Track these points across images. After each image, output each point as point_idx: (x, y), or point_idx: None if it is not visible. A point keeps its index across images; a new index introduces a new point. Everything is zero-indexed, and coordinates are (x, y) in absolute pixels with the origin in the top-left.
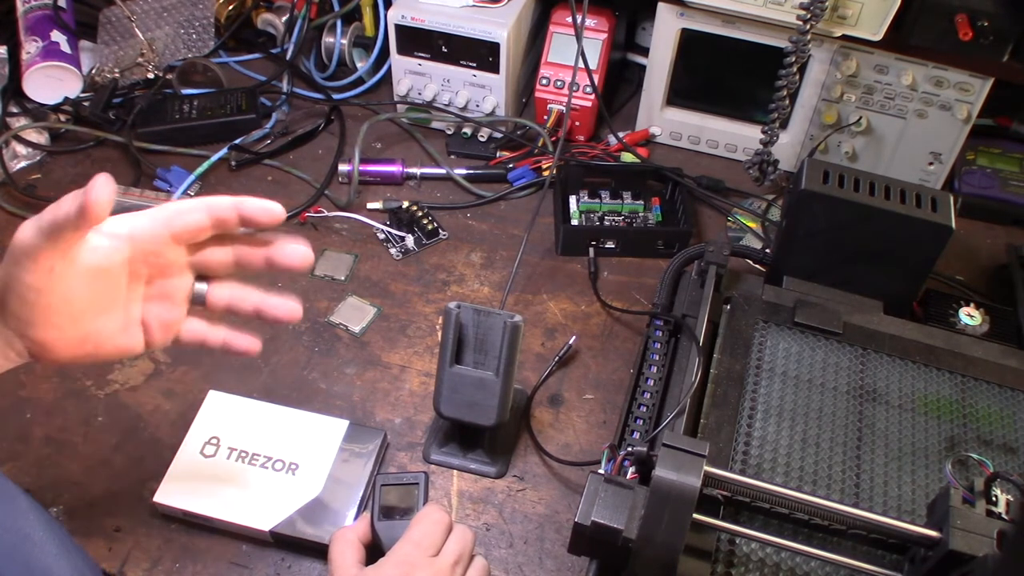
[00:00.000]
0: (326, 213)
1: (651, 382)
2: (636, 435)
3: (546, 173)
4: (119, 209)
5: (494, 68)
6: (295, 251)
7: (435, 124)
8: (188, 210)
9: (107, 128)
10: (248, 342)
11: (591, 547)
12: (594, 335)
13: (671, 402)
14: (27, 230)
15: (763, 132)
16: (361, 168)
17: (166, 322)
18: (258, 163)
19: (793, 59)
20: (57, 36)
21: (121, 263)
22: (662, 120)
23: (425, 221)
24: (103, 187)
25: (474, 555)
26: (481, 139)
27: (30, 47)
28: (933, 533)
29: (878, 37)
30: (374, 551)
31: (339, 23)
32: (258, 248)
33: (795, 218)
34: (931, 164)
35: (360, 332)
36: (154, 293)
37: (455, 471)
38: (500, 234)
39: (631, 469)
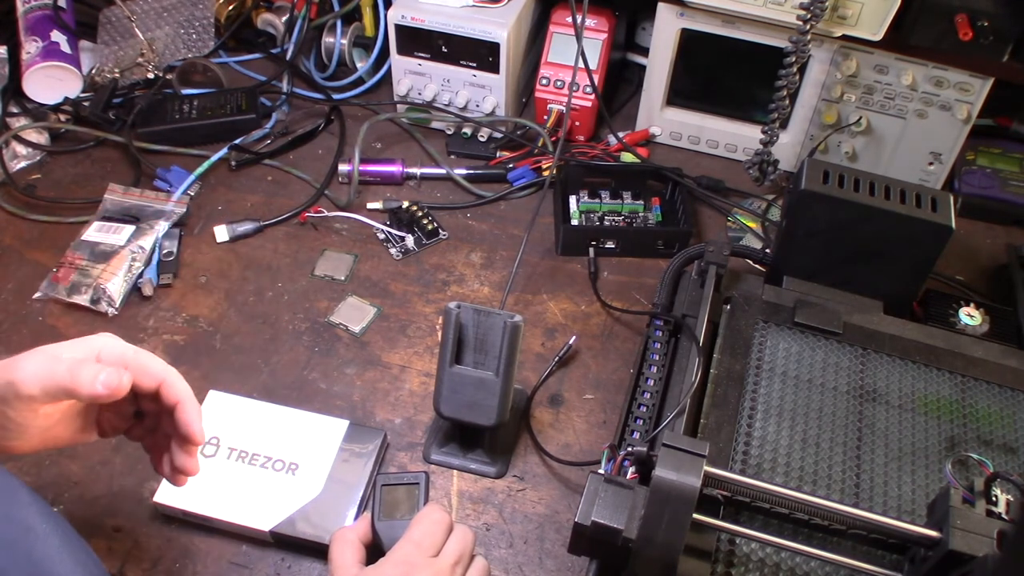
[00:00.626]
0: (326, 213)
1: (651, 382)
2: (636, 435)
3: (546, 173)
4: (119, 211)
5: (494, 68)
6: (183, 467)
7: (435, 124)
8: (150, 375)
9: (107, 128)
10: (167, 471)
11: (591, 547)
12: (594, 335)
13: (671, 402)
14: (31, 384)
15: (763, 132)
16: (361, 168)
17: (115, 426)
18: (258, 163)
19: (793, 59)
20: (57, 36)
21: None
22: (662, 120)
23: (425, 221)
24: (127, 378)
25: (474, 555)
26: (481, 139)
27: (30, 47)
28: (933, 533)
29: (878, 37)
30: (374, 551)
31: (339, 23)
32: (169, 428)
33: (795, 218)
34: (931, 164)
35: (360, 332)
36: (109, 408)
37: (455, 471)
38: (500, 234)
39: (631, 469)
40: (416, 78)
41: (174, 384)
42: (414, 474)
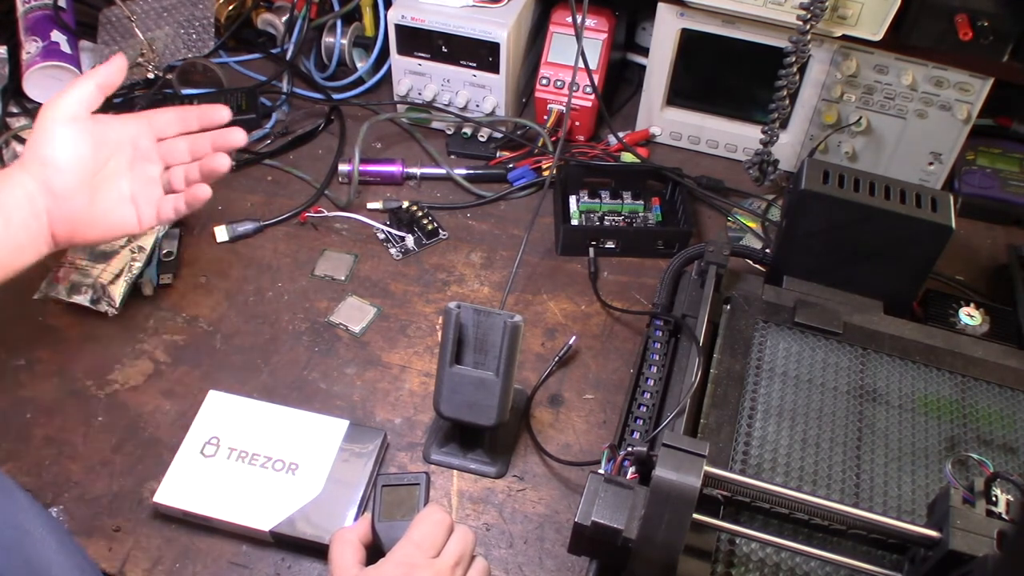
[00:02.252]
0: (326, 213)
1: (651, 382)
2: (636, 435)
3: (546, 173)
4: None
5: (494, 68)
6: (229, 133)
7: (435, 124)
8: (162, 111)
9: None
10: (201, 190)
11: (591, 547)
12: (594, 335)
13: (671, 402)
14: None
15: (763, 132)
16: (361, 168)
17: (149, 199)
18: (258, 163)
19: (793, 59)
20: (57, 36)
21: (117, 139)
22: (662, 120)
23: (425, 221)
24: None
25: (475, 556)
26: (481, 139)
27: (30, 47)
28: (933, 533)
29: (878, 37)
30: (374, 551)
31: (339, 23)
32: (205, 137)
33: (795, 218)
34: (931, 164)
35: (360, 332)
36: (137, 177)
37: (455, 471)
38: (500, 234)
39: (631, 469)
40: (416, 78)
41: (183, 108)
42: (415, 475)
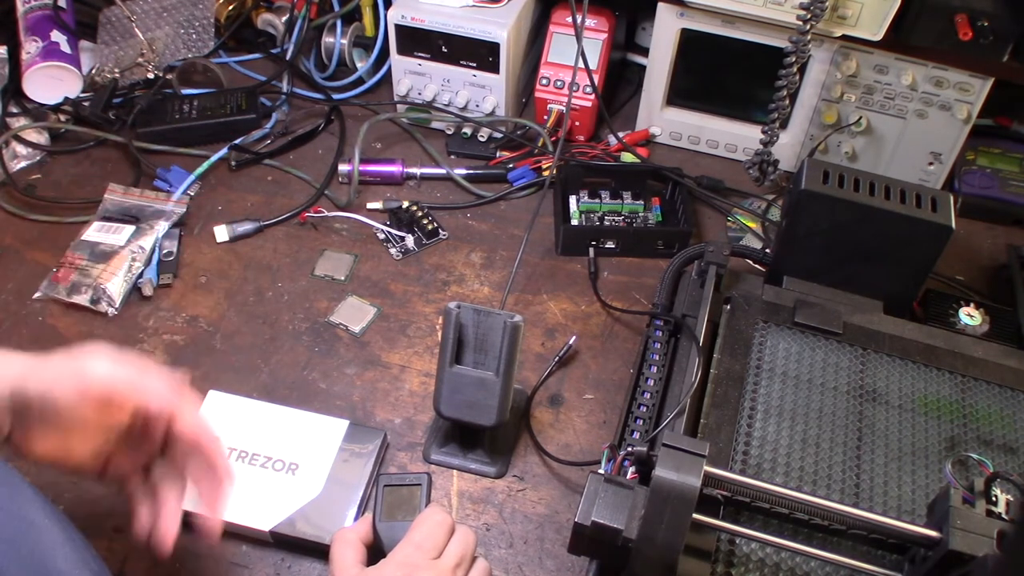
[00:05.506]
0: (326, 213)
1: (651, 382)
2: (636, 435)
3: (546, 173)
4: (119, 211)
5: (494, 68)
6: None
7: (435, 124)
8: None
9: (107, 128)
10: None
11: (591, 547)
12: (594, 335)
13: (671, 402)
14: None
15: (763, 132)
16: (361, 168)
17: (121, 475)
18: (258, 163)
19: (793, 59)
20: (57, 36)
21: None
22: (662, 120)
23: (425, 221)
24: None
25: (476, 557)
26: (481, 139)
27: (30, 47)
28: (933, 533)
29: (878, 37)
30: (375, 552)
31: (339, 23)
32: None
33: (795, 218)
34: (931, 164)
35: (360, 332)
36: (123, 451)
37: (455, 471)
38: (500, 234)
39: (631, 469)
40: (416, 78)
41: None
42: (416, 475)
